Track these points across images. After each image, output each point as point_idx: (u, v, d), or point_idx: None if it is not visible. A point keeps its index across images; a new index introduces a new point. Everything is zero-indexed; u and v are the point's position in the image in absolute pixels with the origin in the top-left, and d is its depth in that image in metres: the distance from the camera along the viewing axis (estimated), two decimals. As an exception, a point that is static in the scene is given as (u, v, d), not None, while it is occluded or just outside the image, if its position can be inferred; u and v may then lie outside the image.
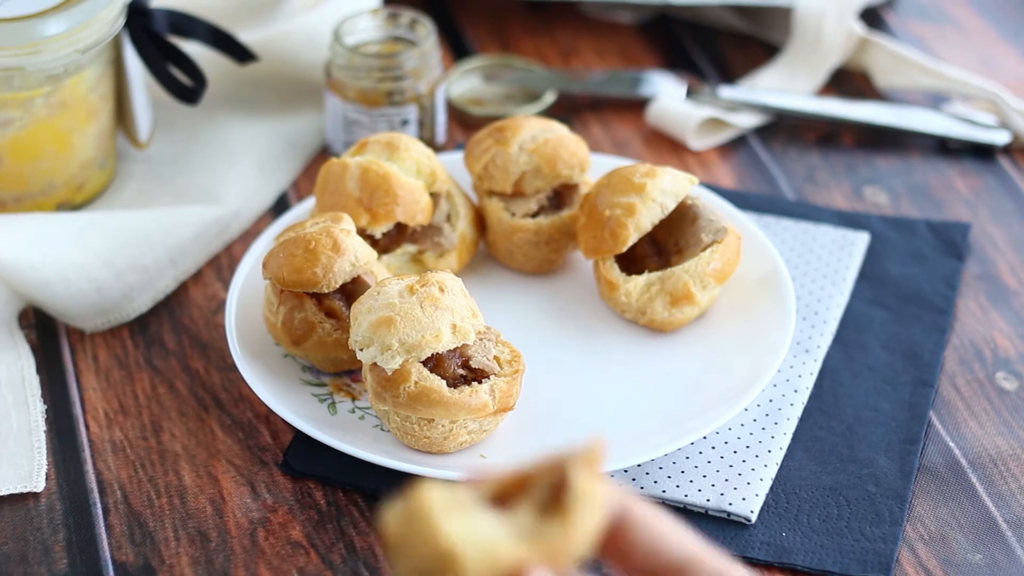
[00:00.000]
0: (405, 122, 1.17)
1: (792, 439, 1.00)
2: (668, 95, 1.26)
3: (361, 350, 0.95)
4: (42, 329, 1.08)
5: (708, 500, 0.95)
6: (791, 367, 1.04)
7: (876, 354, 1.06)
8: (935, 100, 1.29)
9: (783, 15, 1.34)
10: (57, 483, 0.98)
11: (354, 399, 1.01)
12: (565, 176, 1.08)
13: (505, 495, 0.65)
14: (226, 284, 1.11)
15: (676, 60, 1.34)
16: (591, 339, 1.05)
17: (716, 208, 1.08)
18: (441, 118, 1.20)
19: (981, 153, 1.24)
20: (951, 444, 1.01)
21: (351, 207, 1.04)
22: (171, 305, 1.10)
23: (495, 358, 0.96)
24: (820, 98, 1.26)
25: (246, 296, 1.05)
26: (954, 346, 1.07)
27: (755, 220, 1.14)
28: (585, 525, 0.63)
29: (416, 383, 0.93)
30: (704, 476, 0.96)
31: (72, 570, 0.93)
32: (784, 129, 1.26)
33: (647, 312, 1.03)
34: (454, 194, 1.08)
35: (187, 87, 1.15)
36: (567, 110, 1.27)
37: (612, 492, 0.66)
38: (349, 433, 0.97)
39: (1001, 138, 1.24)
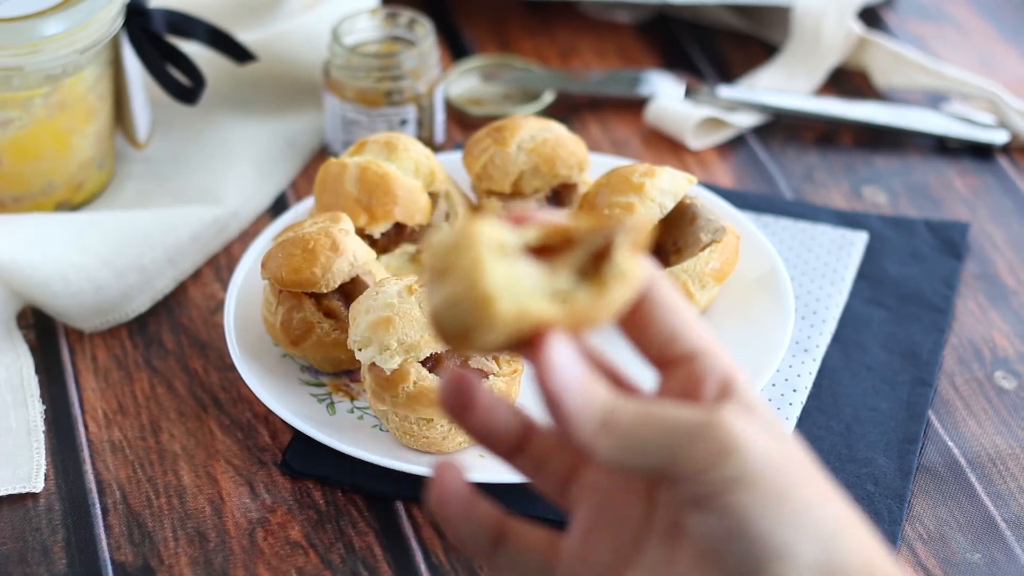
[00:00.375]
0: (404, 122, 1.17)
1: (791, 439, 1.00)
2: (667, 95, 1.26)
3: (360, 350, 0.95)
4: (41, 329, 1.08)
5: (707, 500, 0.95)
6: (790, 366, 1.04)
7: (875, 353, 1.06)
8: (934, 100, 1.29)
9: (782, 14, 1.34)
10: (56, 483, 0.98)
11: (353, 399, 1.01)
12: (564, 176, 1.08)
13: (547, 246, 0.64)
14: (225, 284, 1.11)
15: (675, 60, 1.34)
16: (590, 339, 1.05)
17: (715, 208, 1.08)
18: (440, 118, 1.20)
19: (980, 153, 1.24)
20: (950, 443, 1.00)
21: (350, 207, 1.04)
22: (170, 305, 1.10)
23: (494, 358, 0.96)
24: (819, 98, 1.26)
25: (245, 296, 1.05)
26: (953, 345, 1.07)
27: (754, 220, 1.14)
28: (616, 302, 0.63)
29: (415, 383, 0.93)
30: (703, 476, 0.96)
31: (71, 570, 0.93)
32: (783, 129, 1.26)
33: (646, 312, 1.03)
34: (452, 194, 1.08)
35: (186, 87, 1.15)
36: (566, 110, 1.27)
37: (645, 266, 0.65)
38: (348, 433, 0.97)
39: (1000, 138, 1.24)
